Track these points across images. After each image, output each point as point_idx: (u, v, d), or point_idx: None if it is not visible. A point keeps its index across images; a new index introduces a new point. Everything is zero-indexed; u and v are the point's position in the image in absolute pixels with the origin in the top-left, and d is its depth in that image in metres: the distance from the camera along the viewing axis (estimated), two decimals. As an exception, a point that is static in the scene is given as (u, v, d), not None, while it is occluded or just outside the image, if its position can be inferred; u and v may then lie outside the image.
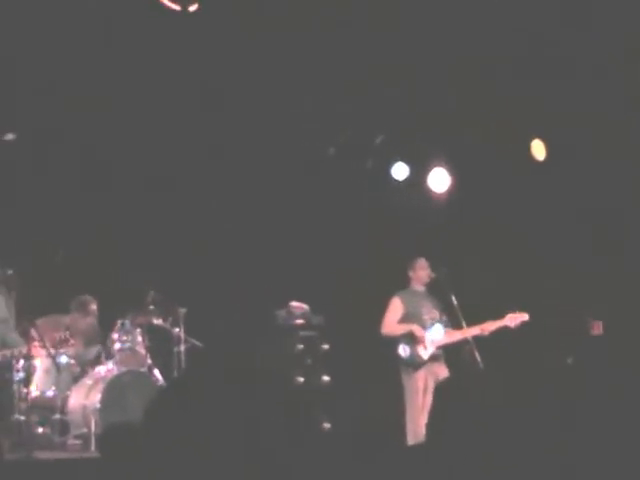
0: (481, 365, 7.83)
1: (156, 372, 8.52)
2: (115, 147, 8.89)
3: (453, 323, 8.30)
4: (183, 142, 8.94)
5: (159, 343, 8.73)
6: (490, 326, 8.06)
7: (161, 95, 8.06)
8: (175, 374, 8.52)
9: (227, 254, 9.54)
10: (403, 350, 8.00)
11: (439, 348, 8.06)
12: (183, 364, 8.65)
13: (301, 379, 8.88)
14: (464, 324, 8.06)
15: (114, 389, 8.14)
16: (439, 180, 9.52)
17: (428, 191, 9.55)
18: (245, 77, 7.98)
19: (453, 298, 8.16)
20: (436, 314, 8.25)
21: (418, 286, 8.36)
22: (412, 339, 7.96)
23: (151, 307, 8.68)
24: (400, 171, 9.50)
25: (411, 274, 8.40)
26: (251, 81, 8.02)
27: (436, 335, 8.04)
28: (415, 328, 8.03)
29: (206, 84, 8.19)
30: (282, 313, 9.24)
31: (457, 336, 8.10)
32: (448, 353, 8.25)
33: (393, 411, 8.05)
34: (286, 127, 8.77)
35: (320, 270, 9.50)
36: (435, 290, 8.51)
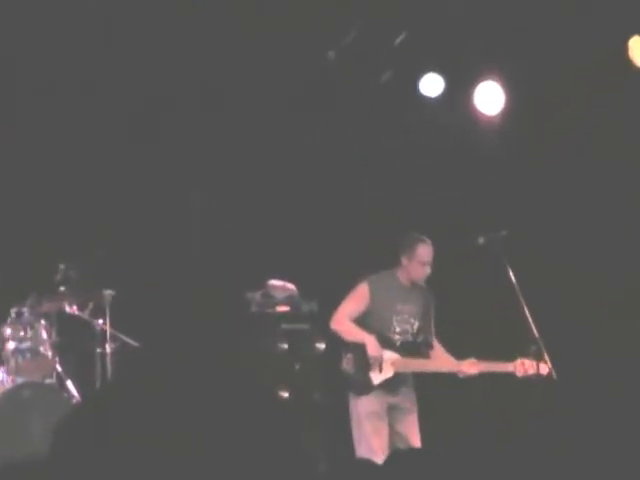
0: (553, 373, 6.67)
1: (69, 384, 8.08)
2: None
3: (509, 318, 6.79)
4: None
5: (74, 341, 8.26)
6: (485, 367, 6.88)
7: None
8: (97, 386, 8.09)
9: (175, 215, 8.59)
10: (347, 363, 6.95)
11: (400, 375, 6.92)
12: (109, 372, 8.09)
13: (285, 394, 7.79)
14: (532, 325, 6.61)
15: (8, 409, 7.67)
16: (488, 98, 8.46)
17: (472, 114, 8.44)
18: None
19: (511, 276, 6.68)
20: (414, 326, 6.96)
21: (405, 279, 6.95)
22: (364, 354, 6.89)
23: (62, 288, 8.08)
24: (431, 85, 8.50)
25: (404, 261, 6.92)
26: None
27: (399, 357, 6.89)
28: (370, 344, 6.81)
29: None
30: (256, 296, 8.02)
31: (429, 366, 6.93)
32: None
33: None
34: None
35: (313, 238, 8.67)
36: (484, 266, 7.22)
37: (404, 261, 6.94)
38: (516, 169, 8.47)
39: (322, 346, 7.88)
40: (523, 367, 6.76)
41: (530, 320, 6.70)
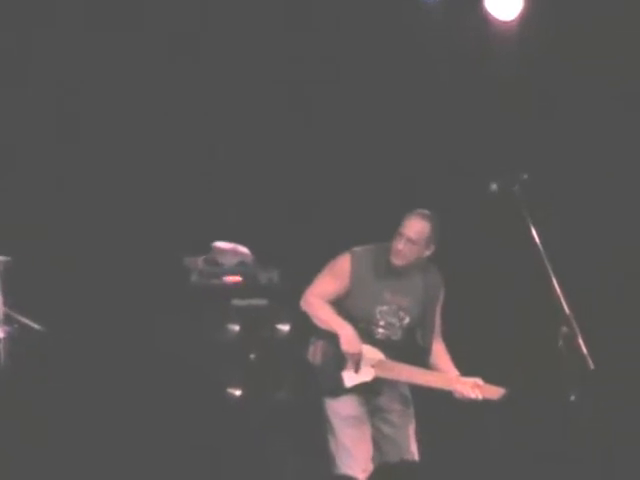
0: (590, 363, 5.69)
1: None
2: None
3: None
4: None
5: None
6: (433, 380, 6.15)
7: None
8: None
9: (93, 157, 7.62)
10: (314, 354, 6.23)
11: (377, 379, 6.16)
12: (1, 362, 7.26)
13: (237, 391, 6.94)
14: (561, 298, 5.76)
15: None
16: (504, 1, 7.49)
17: (485, 20, 7.59)
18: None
19: (535, 234, 5.80)
20: (403, 321, 6.13)
21: (399, 258, 6.10)
22: (338, 346, 6.21)
23: None
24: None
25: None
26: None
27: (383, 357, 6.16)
28: (345, 336, 6.12)
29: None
30: (198, 263, 7.18)
31: (416, 377, 6.10)
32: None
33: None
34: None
35: (274, 185, 7.85)
36: (497, 221, 6.68)
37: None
38: (539, 93, 7.41)
39: (285, 328, 6.95)
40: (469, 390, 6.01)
41: (559, 292, 5.76)
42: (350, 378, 6.07)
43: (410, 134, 7.64)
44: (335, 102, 7.88)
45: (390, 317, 6.10)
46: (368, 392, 6.06)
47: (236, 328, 7.26)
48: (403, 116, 7.68)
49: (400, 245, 5.93)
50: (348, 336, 5.96)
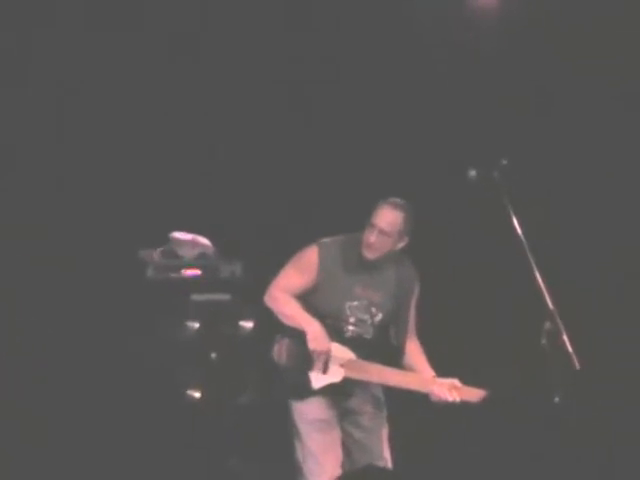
0: (576, 362, 5.43)
1: None
2: None
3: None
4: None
5: None
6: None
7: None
8: None
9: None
10: (279, 353, 5.93)
11: (347, 380, 5.89)
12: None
13: (197, 393, 6.59)
14: (544, 292, 5.56)
15: None
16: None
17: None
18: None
19: (516, 223, 5.57)
20: (375, 317, 5.89)
21: (371, 251, 5.87)
22: (305, 344, 5.93)
23: None
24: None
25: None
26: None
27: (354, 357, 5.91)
28: (312, 333, 5.83)
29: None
30: (154, 255, 6.78)
31: (389, 378, 5.84)
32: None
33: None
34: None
35: (238, 170, 7.43)
36: (475, 211, 6.54)
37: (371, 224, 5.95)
38: (524, 70, 7.16)
39: (249, 325, 6.61)
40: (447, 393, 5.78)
41: (542, 286, 5.51)
42: (318, 379, 5.74)
43: (386, 120, 7.34)
44: (334, 101, 7.57)
45: (361, 313, 5.79)
46: (337, 394, 5.72)
47: (196, 325, 6.88)
48: (375, 98, 7.38)
49: (372, 237, 5.64)
50: (315, 333, 5.64)
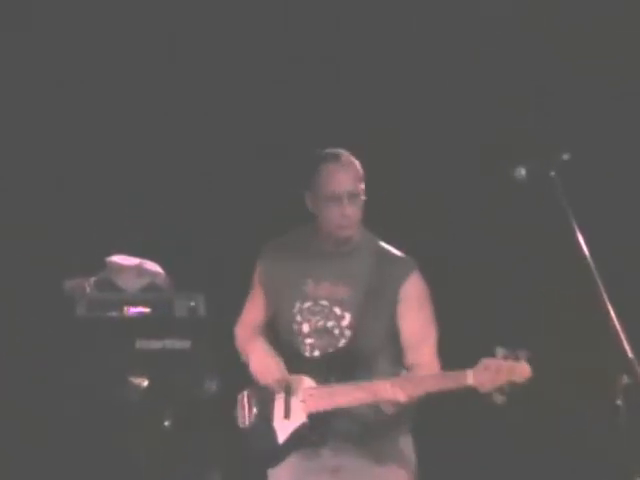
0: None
1: None
2: None
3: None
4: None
5: None
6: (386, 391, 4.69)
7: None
8: None
9: None
10: (243, 418, 4.87)
11: (318, 418, 4.63)
12: None
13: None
14: (610, 310, 4.62)
15: None
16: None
17: None
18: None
19: (576, 229, 4.49)
20: (342, 321, 4.67)
21: (347, 227, 4.84)
22: (267, 394, 4.86)
23: None
24: None
25: (309, 202, 4.79)
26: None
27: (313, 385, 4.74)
28: (267, 367, 4.81)
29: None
30: (86, 287, 5.71)
31: (337, 399, 4.65)
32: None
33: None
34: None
35: (198, 185, 6.58)
36: (527, 214, 5.77)
37: (309, 203, 4.65)
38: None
39: (212, 385, 5.43)
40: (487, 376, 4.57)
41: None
42: (282, 429, 4.57)
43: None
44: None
45: (318, 317, 4.61)
46: (307, 440, 4.57)
47: (144, 383, 5.60)
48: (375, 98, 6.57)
49: (345, 209, 4.49)
50: (270, 367, 4.58)
